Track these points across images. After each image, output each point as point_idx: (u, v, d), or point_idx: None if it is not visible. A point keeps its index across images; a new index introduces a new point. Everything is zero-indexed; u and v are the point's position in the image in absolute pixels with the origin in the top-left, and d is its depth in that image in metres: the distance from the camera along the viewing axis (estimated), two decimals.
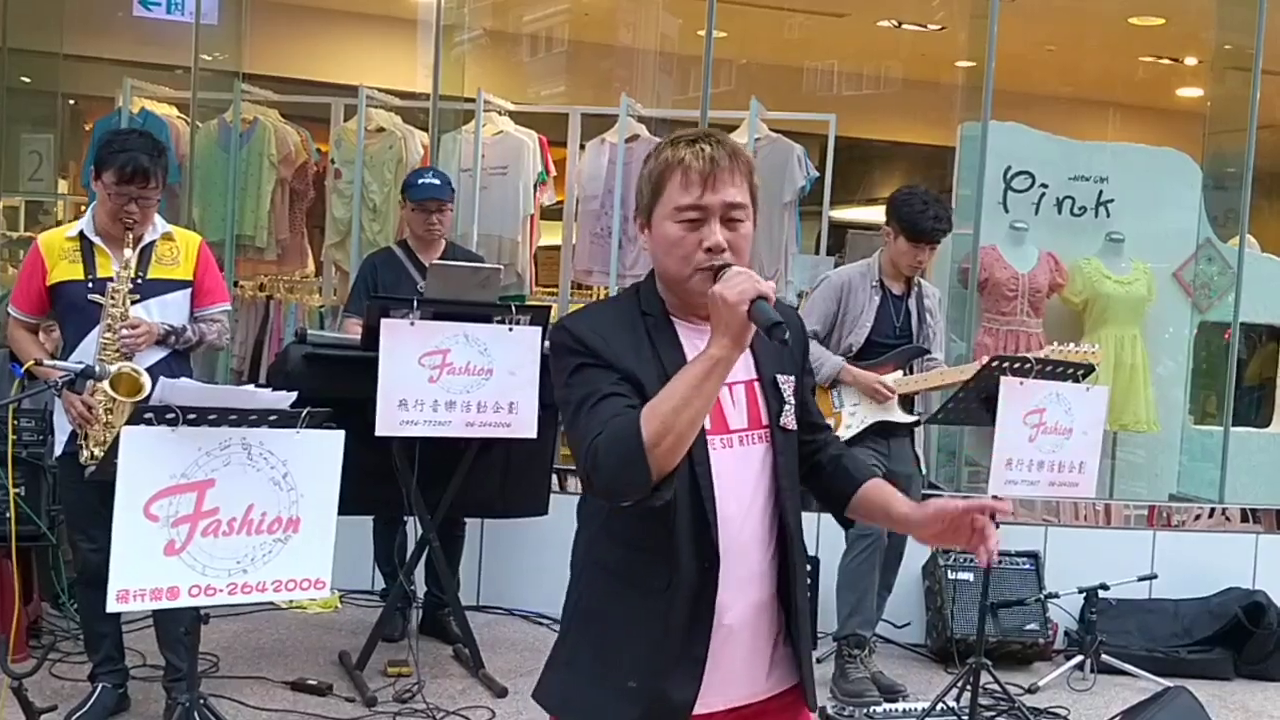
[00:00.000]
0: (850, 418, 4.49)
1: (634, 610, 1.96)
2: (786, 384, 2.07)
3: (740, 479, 1.98)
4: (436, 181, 4.92)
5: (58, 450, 3.83)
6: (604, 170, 6.18)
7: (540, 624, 5.27)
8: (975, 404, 4.09)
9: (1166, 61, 9.00)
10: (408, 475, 4.26)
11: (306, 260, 7.00)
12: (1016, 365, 3.97)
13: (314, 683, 4.32)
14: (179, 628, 3.79)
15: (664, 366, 1.93)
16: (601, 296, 7.16)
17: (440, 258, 4.90)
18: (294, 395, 3.22)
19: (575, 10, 8.81)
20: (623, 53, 8.99)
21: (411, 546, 4.74)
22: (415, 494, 4.31)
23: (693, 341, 1.97)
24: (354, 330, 4.68)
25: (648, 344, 1.97)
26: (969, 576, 5.01)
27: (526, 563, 5.44)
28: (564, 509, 5.11)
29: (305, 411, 3.24)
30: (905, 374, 4.51)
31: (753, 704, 2.04)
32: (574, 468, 5.90)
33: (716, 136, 1.99)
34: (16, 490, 4.33)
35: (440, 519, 4.47)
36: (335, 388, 3.86)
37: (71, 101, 7.98)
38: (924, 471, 4.83)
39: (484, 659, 4.56)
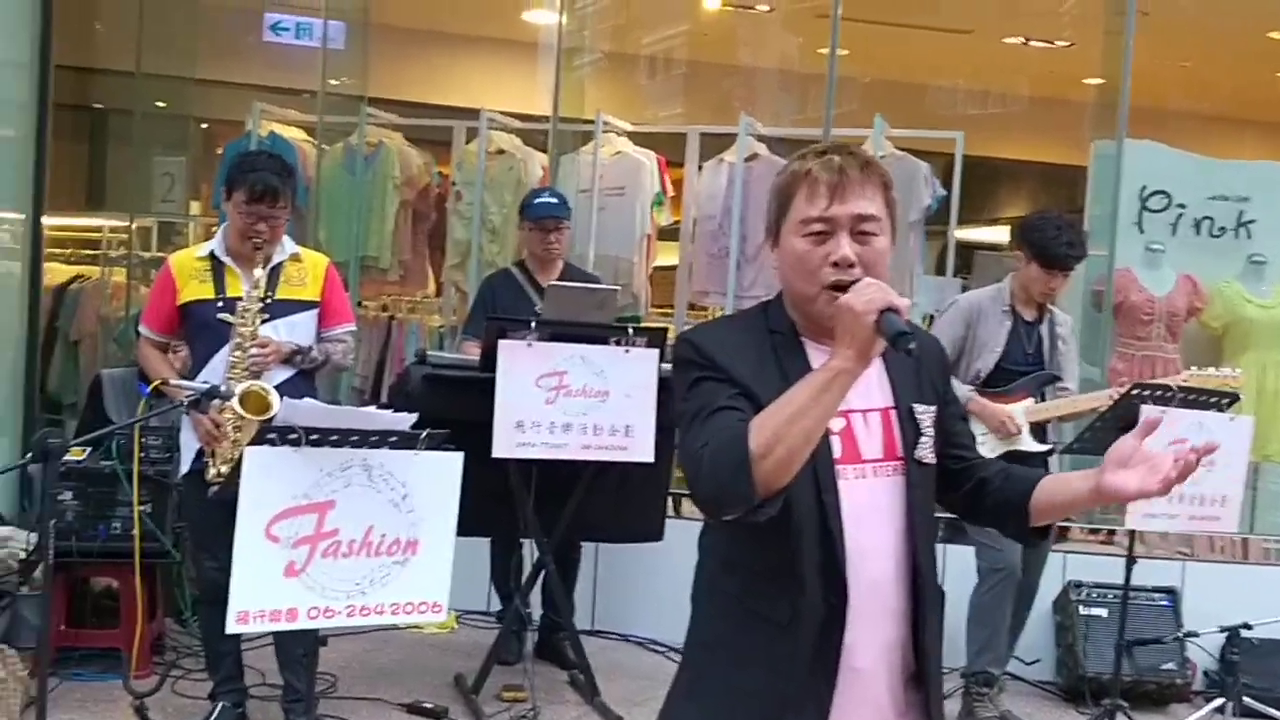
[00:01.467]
0: (980, 448, 4.33)
1: (757, 645, 1.87)
2: (925, 415, 1.95)
3: (871, 512, 1.88)
4: (553, 200, 4.91)
5: (184, 468, 3.88)
6: (722, 190, 6.11)
7: (656, 651, 5.20)
8: (1113, 433, 3.90)
9: None
10: (524, 497, 4.23)
11: (427, 281, 7.06)
12: (1158, 394, 3.79)
13: (430, 706, 4.31)
14: (298, 649, 3.82)
15: (788, 385, 1.81)
16: (716, 317, 7.11)
17: (557, 278, 4.88)
18: (414, 417, 3.20)
19: (694, 31, 8.78)
20: (741, 72, 8.93)
21: (528, 569, 4.72)
22: (531, 516, 4.27)
23: (821, 363, 1.85)
24: (472, 352, 4.68)
25: (773, 362, 1.88)
26: (1103, 612, 4.81)
27: (642, 588, 5.37)
28: (679, 535, 5.06)
29: (425, 433, 3.23)
30: (1037, 401, 4.35)
31: None
32: (689, 492, 5.88)
33: (849, 149, 1.91)
34: (143, 507, 4.40)
35: (556, 542, 4.43)
36: (455, 409, 3.86)
37: (203, 125, 8.19)
38: None
39: (599, 686, 4.50)
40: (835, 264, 1.82)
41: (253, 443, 3.01)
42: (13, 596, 4.57)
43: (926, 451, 1.94)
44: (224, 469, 3.71)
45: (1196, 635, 4.78)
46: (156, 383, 3.65)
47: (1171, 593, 4.97)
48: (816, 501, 1.81)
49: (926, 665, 1.93)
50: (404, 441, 3.22)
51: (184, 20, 7.42)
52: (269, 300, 3.81)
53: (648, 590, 5.36)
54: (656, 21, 8.62)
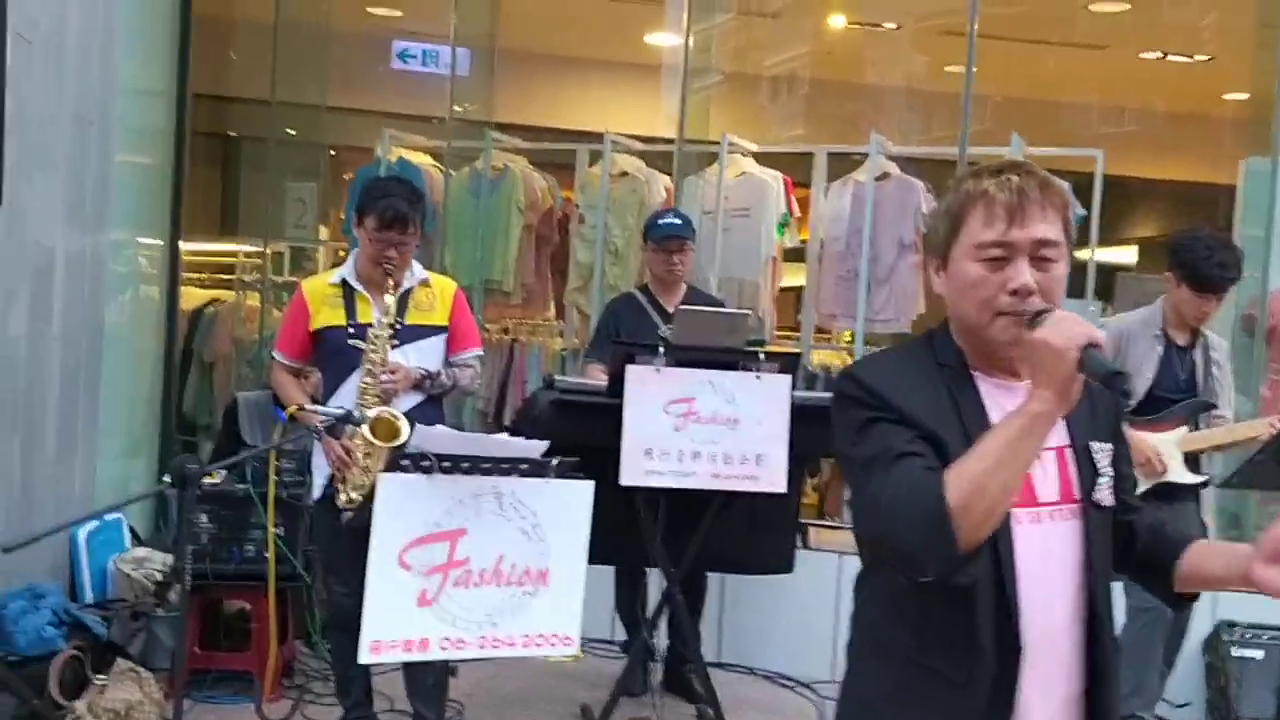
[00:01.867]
0: None
1: (929, 703, 1.73)
2: (1102, 453, 1.82)
3: (1047, 559, 1.74)
4: (677, 221, 4.85)
5: (315, 493, 3.89)
6: (850, 210, 5.98)
7: (784, 686, 5.09)
8: (1274, 468, 3.69)
9: None
10: (651, 526, 4.15)
11: (548, 304, 7.05)
12: None
13: None
14: (428, 678, 3.80)
15: (964, 426, 1.71)
16: (842, 341, 6.96)
17: (681, 301, 4.82)
18: (545, 444, 3.16)
19: (819, 50, 8.68)
20: (866, 91, 8.80)
21: (653, 598, 4.64)
22: (659, 546, 4.19)
23: (995, 399, 1.76)
24: (596, 375, 4.63)
25: (946, 398, 1.75)
26: (1257, 654, 4.55)
27: (770, 621, 5.26)
28: (807, 566, 4.95)
29: (556, 461, 3.19)
30: (1191, 430, 4.14)
31: None
32: (820, 522, 5.73)
33: (1026, 166, 1.77)
34: (276, 530, 4.44)
35: (684, 572, 4.34)
36: (582, 434, 3.80)
37: (332, 152, 8.33)
38: (1209, 538, 4.41)
39: None
40: (1014, 292, 1.70)
41: (385, 469, 2.99)
42: (148, 617, 4.65)
43: (1105, 493, 1.80)
44: (354, 495, 3.71)
45: None
46: (292, 409, 3.66)
47: None
48: (991, 548, 1.66)
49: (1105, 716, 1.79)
50: (535, 469, 3.18)
51: (315, 49, 7.57)
52: (398, 326, 3.81)
53: (775, 622, 5.25)
54: (781, 42, 8.54)
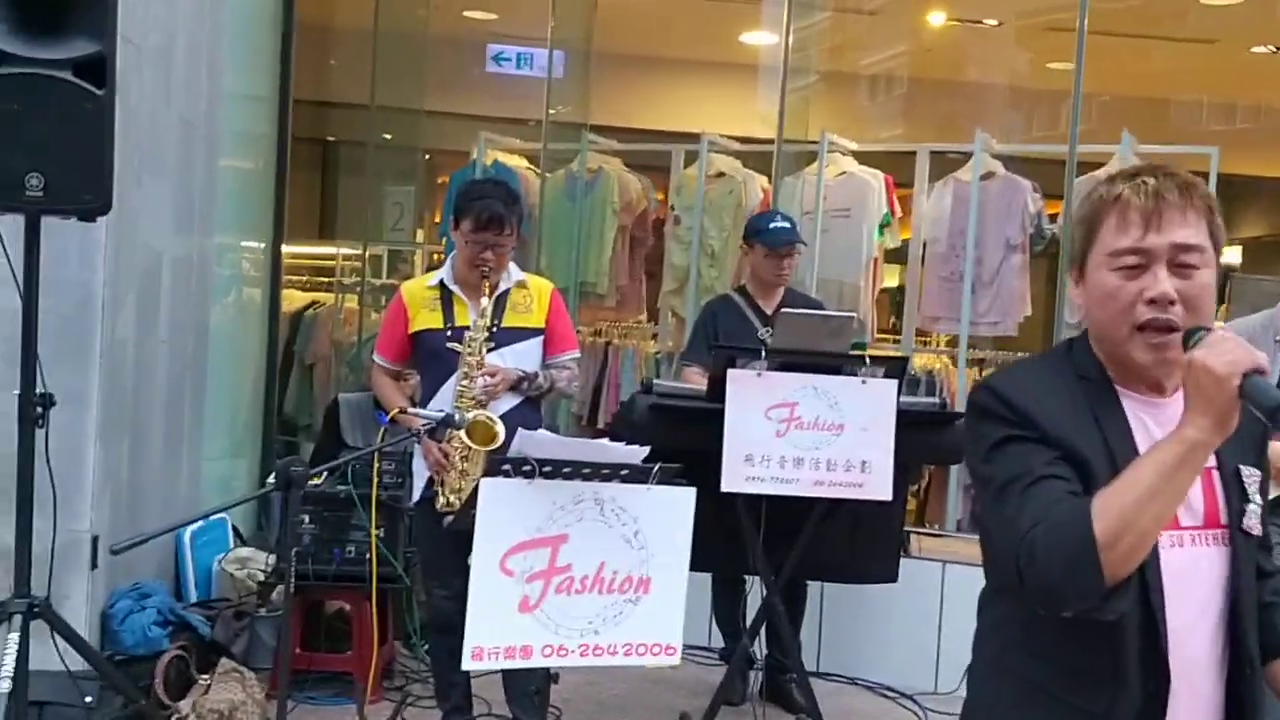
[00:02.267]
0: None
1: None
2: (1251, 480, 1.71)
3: (1190, 587, 1.64)
4: (788, 225, 4.77)
5: (415, 496, 3.89)
6: (951, 210, 5.84)
7: (886, 697, 4.98)
8: None
9: None
10: (753, 534, 4.08)
11: (642, 307, 7.02)
12: None
13: None
14: (530, 684, 3.77)
15: (1109, 445, 1.62)
16: (942, 344, 6.80)
17: (779, 304, 4.74)
18: (646, 450, 3.11)
19: (918, 48, 8.53)
20: (966, 89, 8.63)
21: (752, 605, 4.57)
22: (760, 554, 4.12)
23: (1138, 416, 1.67)
24: (693, 379, 4.58)
25: (1087, 415, 1.65)
26: None
27: (871, 629, 5.16)
28: (911, 574, 4.83)
29: (657, 467, 3.13)
30: None
31: None
32: (923, 530, 5.60)
33: (1165, 169, 1.68)
34: (377, 532, 4.45)
35: (784, 580, 4.27)
36: (681, 439, 3.76)
37: (427, 155, 8.38)
38: None
39: None
40: (1152, 301, 1.61)
41: (486, 473, 2.97)
42: (251, 617, 4.69)
43: (1254, 521, 1.70)
44: (453, 499, 3.70)
45: None
46: (394, 412, 3.66)
47: None
48: (1138, 576, 1.56)
49: None
50: (635, 475, 3.13)
51: (413, 54, 7.62)
52: (495, 328, 3.79)
53: (878, 632, 5.15)
54: (879, 40, 8.42)
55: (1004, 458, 1.63)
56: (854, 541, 4.40)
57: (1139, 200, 1.64)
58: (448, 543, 3.86)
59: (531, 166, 6.90)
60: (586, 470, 3.06)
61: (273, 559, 5.02)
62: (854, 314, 4.91)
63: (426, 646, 5.01)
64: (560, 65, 7.87)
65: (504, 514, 2.97)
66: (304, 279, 8.53)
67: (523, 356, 3.83)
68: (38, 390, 3.15)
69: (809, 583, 4.79)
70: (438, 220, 7.89)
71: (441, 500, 3.72)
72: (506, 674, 3.87)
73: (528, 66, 8.43)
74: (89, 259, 3.80)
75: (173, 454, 4.85)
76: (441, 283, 3.85)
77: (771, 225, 4.78)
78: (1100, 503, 1.50)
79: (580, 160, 6.63)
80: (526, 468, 2.99)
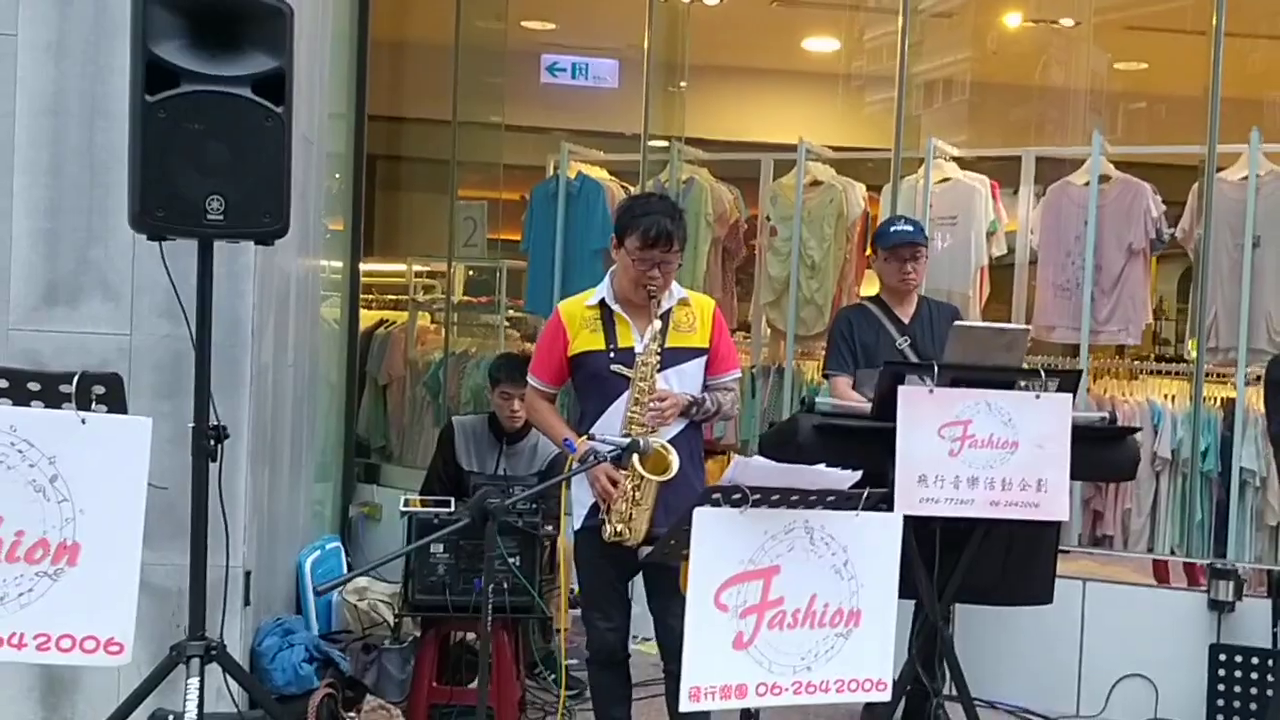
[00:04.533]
0: None
1: None
2: None
3: None
4: (909, 228, 4.63)
5: (576, 524, 3.73)
6: (1064, 215, 5.68)
7: None
8: None
9: None
10: (918, 557, 3.92)
11: (733, 320, 6.86)
12: None
13: None
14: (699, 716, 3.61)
15: None
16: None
17: (915, 312, 4.61)
18: (859, 475, 2.97)
19: (988, 51, 8.39)
20: (1035, 92, 8.49)
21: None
22: (926, 578, 3.96)
23: None
24: (841, 388, 4.44)
25: None
26: None
27: (1009, 649, 4.99)
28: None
29: (866, 492, 2.99)
30: None
31: None
32: (1062, 549, 5.42)
33: None
34: (513, 559, 4.30)
35: (948, 604, 4.11)
36: (848, 460, 3.59)
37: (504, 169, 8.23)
38: None
39: None
40: None
41: (698, 504, 2.81)
42: (379, 650, 4.55)
43: None
44: (620, 528, 3.55)
45: None
46: (583, 438, 3.51)
47: None
48: None
49: None
50: (842, 501, 2.98)
51: (486, 68, 7.49)
52: (660, 350, 3.63)
53: (1015, 652, 4.99)
54: (947, 45, 8.27)
55: None
56: (1008, 562, 4.25)
57: None
58: (610, 573, 3.73)
59: (615, 179, 6.76)
60: (794, 498, 2.91)
61: (392, 589, 4.88)
62: (1028, 327, 4.75)
63: (554, 677, 4.88)
64: (612, 76, 7.75)
65: (717, 546, 2.83)
66: (372, 297, 8.39)
67: (687, 377, 3.68)
68: (210, 422, 3.00)
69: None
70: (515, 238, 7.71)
71: (609, 530, 3.56)
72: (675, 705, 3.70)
73: (582, 76, 8.31)
74: (237, 284, 3.66)
75: (295, 481, 4.70)
76: (602, 301, 3.69)
77: (893, 229, 4.65)
78: None
79: (671, 171, 6.48)
80: (737, 496, 2.85)
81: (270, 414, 4.12)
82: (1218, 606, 4.81)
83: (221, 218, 2.86)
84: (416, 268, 8.22)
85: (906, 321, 4.60)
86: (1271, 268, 5.20)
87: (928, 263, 4.82)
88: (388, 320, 7.98)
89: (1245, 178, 5.25)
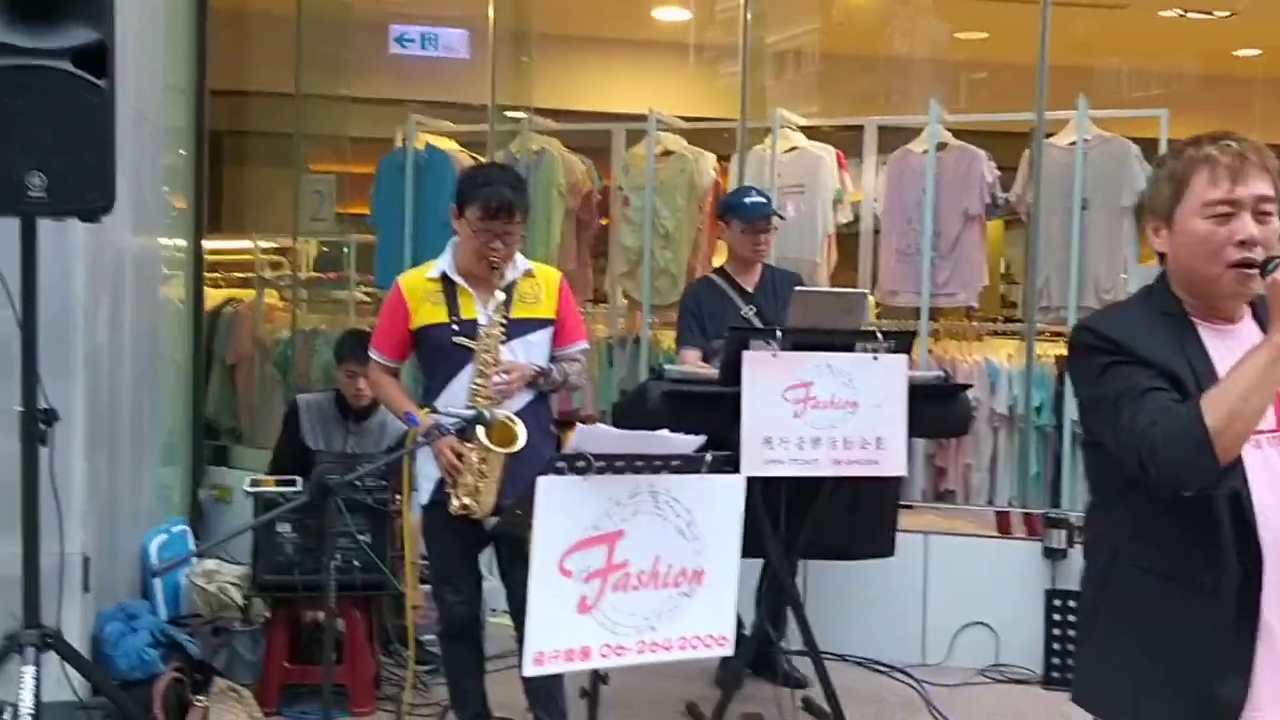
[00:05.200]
0: None
1: (1185, 612, 1.99)
2: None
3: (1268, 481, 1.97)
4: (764, 199, 4.72)
5: (424, 499, 3.71)
6: (905, 183, 5.83)
7: (879, 672, 4.97)
8: None
9: None
10: (765, 517, 4.02)
11: (589, 290, 6.89)
12: None
13: None
14: (550, 685, 3.66)
15: (1191, 366, 1.97)
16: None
17: (760, 280, 4.70)
18: (702, 439, 3.02)
19: (833, 23, 8.53)
20: (882, 63, 8.68)
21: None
22: (774, 537, 4.06)
23: (1214, 344, 2.01)
24: (692, 362, 4.50)
25: (1175, 344, 2.00)
26: None
27: (855, 604, 5.14)
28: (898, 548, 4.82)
29: (709, 455, 3.05)
30: None
31: None
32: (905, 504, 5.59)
33: (1235, 135, 2.01)
34: (363, 536, 4.27)
35: (795, 561, 4.21)
36: (696, 425, 3.64)
37: (350, 142, 8.09)
38: None
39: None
40: (1242, 243, 1.95)
41: (542, 473, 2.84)
42: (229, 633, 4.47)
43: None
44: (468, 501, 3.55)
45: None
46: (426, 411, 3.50)
47: None
48: (1226, 470, 1.90)
49: None
50: (686, 465, 3.04)
51: (331, 40, 7.33)
52: (505, 321, 3.63)
53: (862, 606, 5.14)
54: (793, 16, 8.38)
55: (1113, 378, 1.98)
56: (853, 518, 4.38)
57: (1226, 159, 1.97)
58: (458, 546, 3.73)
59: (464, 150, 6.70)
60: (640, 463, 2.96)
61: (242, 570, 4.80)
62: (866, 291, 4.87)
63: (408, 652, 4.86)
64: (463, 46, 7.66)
65: (561, 513, 2.85)
66: (218, 275, 8.18)
67: (533, 349, 3.69)
68: (39, 405, 2.91)
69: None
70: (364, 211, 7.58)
71: (456, 503, 3.55)
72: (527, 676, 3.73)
73: (431, 47, 8.19)
74: (66, 263, 3.53)
75: (137, 464, 4.58)
76: (444, 274, 3.67)
77: (747, 200, 4.73)
78: (1208, 401, 1.87)
79: (522, 141, 6.45)
80: (581, 464, 2.87)
81: (108, 396, 4.00)
82: (1052, 554, 5.03)
83: (44, 195, 2.77)
84: (263, 244, 8.04)
85: (751, 290, 4.69)
86: (1099, 229, 5.43)
87: (777, 233, 4.91)
88: (235, 299, 7.81)
89: (1073, 143, 5.47)
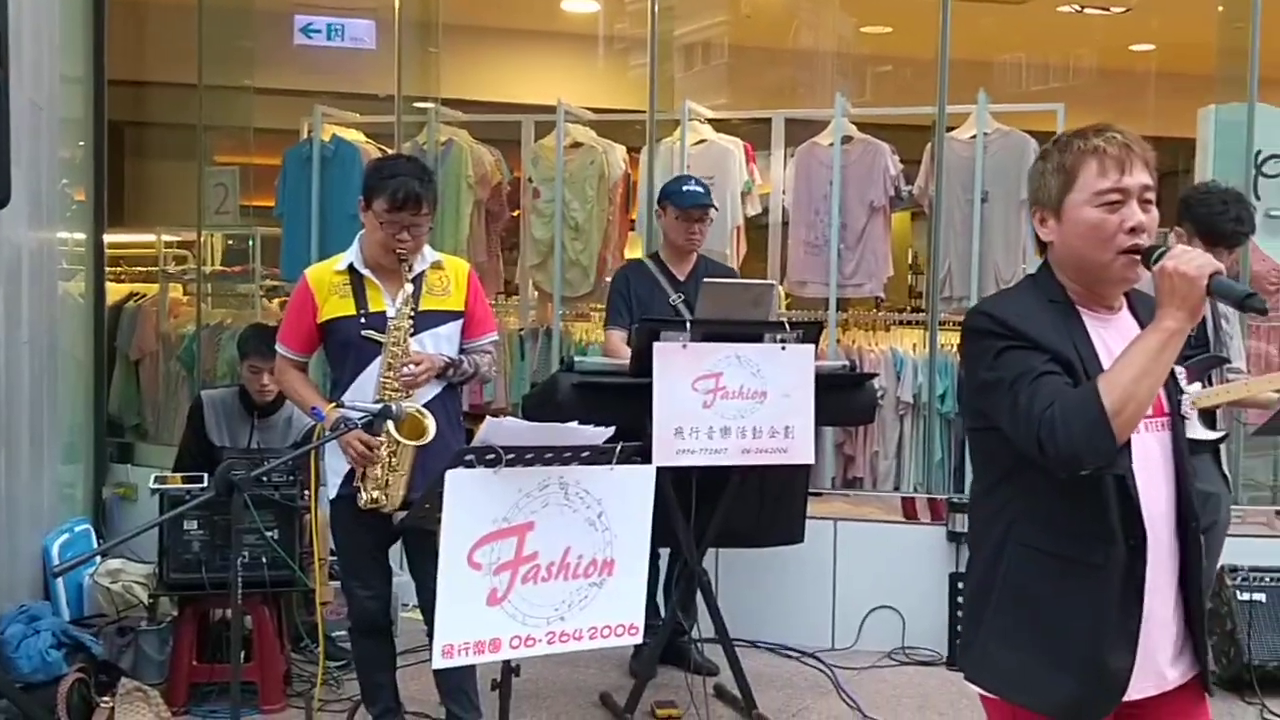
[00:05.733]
0: None
1: (1074, 590, 2.04)
2: (1182, 376, 2.14)
3: (1150, 464, 2.06)
4: (700, 189, 4.73)
5: (332, 493, 3.68)
6: (813, 176, 5.91)
7: (789, 657, 5.04)
8: None
9: None
10: (675, 506, 4.05)
11: (500, 282, 6.86)
12: None
13: None
14: (462, 679, 3.66)
15: (1078, 351, 2.04)
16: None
17: (692, 270, 4.72)
18: (610, 431, 3.04)
19: (739, 16, 8.60)
20: (787, 56, 8.76)
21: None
22: (685, 526, 4.10)
23: (1097, 330, 2.09)
24: (617, 344, 4.52)
25: (1062, 329, 2.06)
26: (1261, 597, 4.63)
27: (766, 592, 5.21)
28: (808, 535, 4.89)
29: (619, 447, 3.07)
30: (1204, 386, 4.16)
31: (1168, 691, 2.11)
32: (815, 491, 5.67)
33: (1116, 126, 2.09)
34: (270, 533, 4.23)
35: (704, 550, 4.26)
36: (607, 417, 3.66)
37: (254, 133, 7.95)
38: (1231, 490, 4.41)
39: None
40: (1132, 229, 2.02)
41: (450, 466, 2.83)
42: (135, 632, 4.40)
43: (1188, 408, 2.16)
44: (377, 494, 3.53)
45: None
46: (332, 406, 3.46)
47: None
48: (1119, 451, 1.97)
49: (1198, 608, 2.14)
50: (597, 456, 3.06)
51: (234, 30, 7.21)
52: (413, 313, 3.61)
53: (772, 593, 5.20)
54: (701, 9, 8.43)
55: (1008, 362, 2.02)
56: (762, 506, 4.44)
57: (1113, 149, 2.04)
58: (368, 540, 3.70)
59: (371, 141, 6.64)
60: (549, 455, 2.97)
61: (147, 569, 4.72)
62: (774, 282, 4.92)
63: (318, 648, 4.81)
64: (369, 37, 7.56)
65: (470, 506, 2.86)
66: (119, 270, 8.01)
67: (442, 341, 3.67)
68: None
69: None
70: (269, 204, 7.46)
71: (365, 497, 3.54)
72: (438, 669, 3.72)
73: (338, 37, 8.08)
74: None
75: (37, 463, 4.47)
76: (351, 266, 3.64)
77: (684, 188, 4.74)
78: (1104, 383, 1.93)
79: (429, 133, 6.41)
80: (490, 456, 2.88)
81: (4, 394, 3.91)
82: (956, 538, 5.14)
83: None
84: (167, 237, 7.89)
85: (682, 279, 4.71)
86: (999, 221, 5.56)
87: (712, 223, 4.94)
88: (138, 293, 7.65)
89: (974, 137, 5.58)
